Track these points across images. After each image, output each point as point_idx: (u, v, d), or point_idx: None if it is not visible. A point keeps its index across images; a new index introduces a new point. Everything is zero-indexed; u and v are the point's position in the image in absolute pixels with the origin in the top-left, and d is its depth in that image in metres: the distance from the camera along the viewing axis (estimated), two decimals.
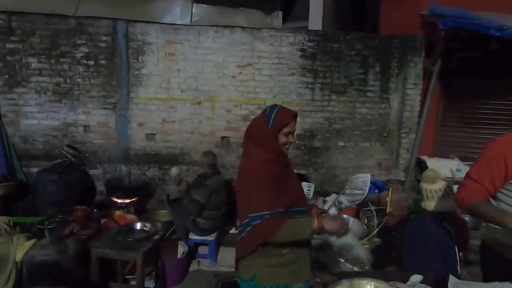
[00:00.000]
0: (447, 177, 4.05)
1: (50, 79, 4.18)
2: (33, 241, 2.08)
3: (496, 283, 1.24)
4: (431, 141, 4.73)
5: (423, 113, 4.36)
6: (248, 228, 1.36)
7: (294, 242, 1.36)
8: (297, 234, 1.33)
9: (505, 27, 3.31)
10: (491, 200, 1.49)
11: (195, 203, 2.77)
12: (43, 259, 1.93)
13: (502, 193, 1.46)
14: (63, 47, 4.14)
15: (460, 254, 1.85)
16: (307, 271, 1.50)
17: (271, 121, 1.43)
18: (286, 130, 1.43)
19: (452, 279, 1.24)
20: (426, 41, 4.37)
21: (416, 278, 1.31)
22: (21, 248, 1.99)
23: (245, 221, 1.37)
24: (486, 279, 1.32)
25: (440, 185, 2.00)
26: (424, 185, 2.03)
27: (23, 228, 2.32)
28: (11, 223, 2.19)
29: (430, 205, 1.98)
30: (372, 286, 1.18)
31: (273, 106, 1.48)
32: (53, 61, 4.15)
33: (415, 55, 4.41)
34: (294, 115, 1.46)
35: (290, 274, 1.42)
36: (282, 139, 1.44)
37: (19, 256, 1.98)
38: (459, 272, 1.71)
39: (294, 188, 1.52)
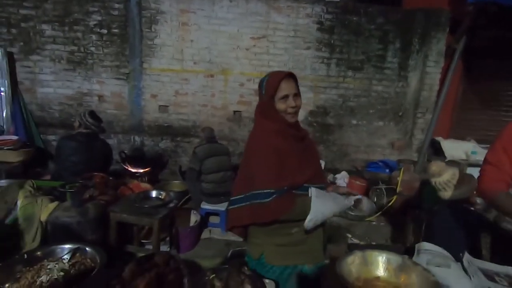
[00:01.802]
0: (462, 159, 3.99)
1: (64, 47, 4.17)
2: (56, 203, 2.19)
3: (509, 267, 1.25)
4: (447, 122, 4.62)
5: (442, 93, 4.21)
6: (248, 203, 1.27)
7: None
8: (302, 214, 1.26)
9: None
10: None
11: (191, 170, 3.21)
12: (67, 220, 2.04)
13: None
14: (76, 14, 4.08)
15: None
16: (319, 252, 1.39)
17: (263, 90, 1.30)
18: (280, 94, 1.25)
19: (467, 255, 1.26)
20: (452, 16, 4.13)
21: (424, 245, 1.32)
22: (45, 209, 2.11)
23: (246, 194, 1.28)
24: (498, 258, 1.33)
25: (448, 175, 1.93)
26: (433, 179, 1.98)
27: (45, 191, 2.44)
28: (35, 186, 2.30)
29: (444, 195, 1.94)
30: (384, 258, 1.20)
31: (267, 74, 1.33)
32: (66, 28, 4.11)
33: (439, 30, 4.19)
34: (286, 75, 1.26)
35: (299, 255, 1.33)
36: (279, 105, 1.26)
37: (43, 217, 2.10)
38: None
39: (310, 164, 1.36)
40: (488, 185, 1.42)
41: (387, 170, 4.02)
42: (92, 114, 2.83)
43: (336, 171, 4.21)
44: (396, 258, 1.20)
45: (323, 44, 4.26)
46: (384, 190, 3.48)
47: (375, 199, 3.50)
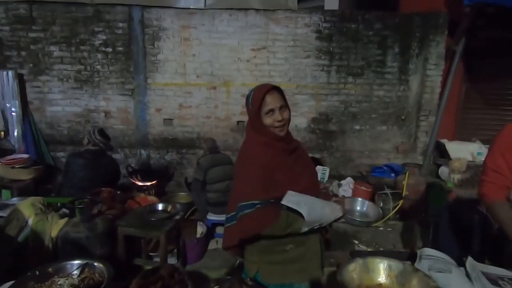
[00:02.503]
0: (468, 161, 3.95)
1: (71, 67, 4.31)
2: (65, 219, 2.25)
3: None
4: (451, 124, 4.59)
5: (444, 95, 4.21)
6: (237, 220, 1.25)
7: (291, 235, 1.23)
8: (289, 228, 1.21)
9: None
10: None
11: (195, 180, 3.27)
12: (76, 236, 2.10)
13: None
14: (82, 35, 4.23)
15: None
16: (316, 269, 1.34)
17: (250, 104, 1.29)
18: (265, 109, 1.24)
19: (470, 259, 1.26)
20: (449, 18, 4.16)
21: (426, 251, 1.33)
22: (55, 226, 2.17)
23: (235, 211, 1.26)
24: (504, 260, 1.33)
25: (466, 174, 1.98)
26: (452, 175, 2.02)
27: (54, 207, 2.51)
28: (45, 203, 2.37)
29: (461, 192, 1.97)
30: (386, 264, 1.21)
31: (254, 87, 1.31)
32: (73, 49, 4.26)
33: (438, 33, 4.21)
34: (270, 89, 1.25)
35: (295, 272, 1.29)
36: (266, 120, 1.25)
37: (54, 233, 2.16)
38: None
39: (302, 176, 1.32)
40: (487, 191, 1.42)
41: (393, 175, 3.99)
42: (101, 132, 2.92)
43: (341, 178, 4.20)
44: (397, 265, 1.21)
45: (322, 52, 4.32)
46: (390, 195, 3.46)
47: (381, 204, 3.48)
